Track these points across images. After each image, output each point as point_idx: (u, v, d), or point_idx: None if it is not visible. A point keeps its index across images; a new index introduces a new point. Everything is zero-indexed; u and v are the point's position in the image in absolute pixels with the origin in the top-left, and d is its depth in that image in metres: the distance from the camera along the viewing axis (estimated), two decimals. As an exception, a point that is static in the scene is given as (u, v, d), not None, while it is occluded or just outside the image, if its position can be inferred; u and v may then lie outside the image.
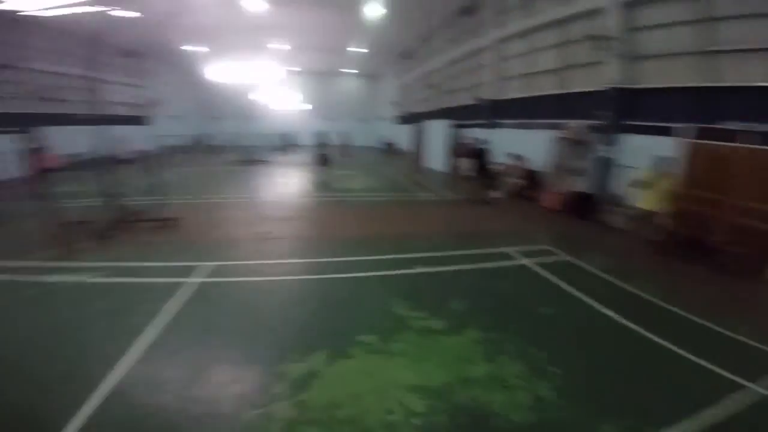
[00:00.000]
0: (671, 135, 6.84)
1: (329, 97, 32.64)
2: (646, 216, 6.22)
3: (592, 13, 8.84)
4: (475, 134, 13.06)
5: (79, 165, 13.11)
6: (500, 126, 12.84)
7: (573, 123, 9.04)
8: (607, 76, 8.37)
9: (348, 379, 3.09)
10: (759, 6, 5.84)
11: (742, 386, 3.02)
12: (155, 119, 25.83)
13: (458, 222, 8.32)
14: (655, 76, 7.70)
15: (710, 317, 4.05)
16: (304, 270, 5.37)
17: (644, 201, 6.18)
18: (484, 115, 13.63)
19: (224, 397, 2.85)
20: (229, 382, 3.03)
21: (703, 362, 3.31)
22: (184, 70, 29.16)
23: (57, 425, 2.51)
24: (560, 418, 2.72)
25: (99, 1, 6.49)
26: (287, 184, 13.06)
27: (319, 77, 31.97)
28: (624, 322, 4.01)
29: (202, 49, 22.89)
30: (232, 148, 22.68)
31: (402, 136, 23.48)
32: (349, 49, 22.32)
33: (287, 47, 22.41)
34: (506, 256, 5.97)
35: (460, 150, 13.67)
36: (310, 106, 30.24)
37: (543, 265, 5.57)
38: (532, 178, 10.38)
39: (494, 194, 10.35)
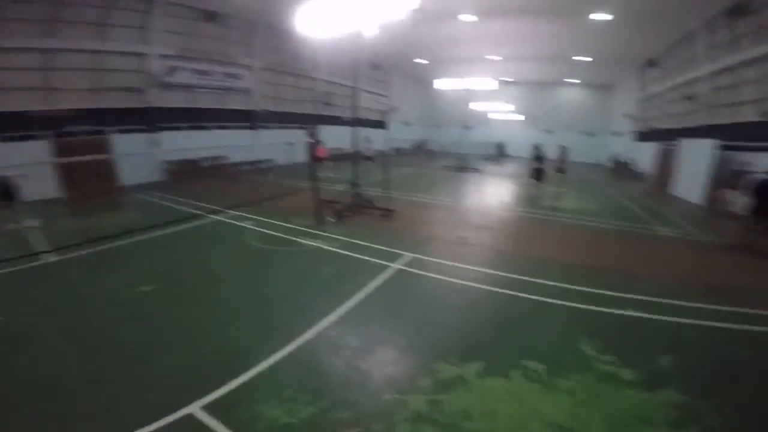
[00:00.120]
0: None
1: (547, 107, 30.86)
2: None
3: None
4: (761, 161, 9.66)
5: (339, 157, 16.80)
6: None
7: None
8: None
9: (492, 397, 2.98)
10: None
11: None
12: (390, 124, 30.55)
13: (708, 270, 6.20)
14: None
15: None
16: (490, 280, 5.32)
17: None
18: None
19: (377, 375, 3.20)
20: (387, 362, 3.37)
21: None
22: (415, 80, 33.36)
23: (255, 360, 3.28)
24: None
25: (352, 20, 8.03)
26: (494, 194, 13.05)
27: (536, 87, 30.64)
28: None
29: (425, 61, 25.65)
30: (449, 154, 24.35)
31: (640, 154, 19.81)
32: (573, 58, 20.68)
33: (498, 58, 22.50)
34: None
35: (730, 179, 10.44)
36: (523, 117, 29.29)
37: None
38: None
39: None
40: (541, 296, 4.83)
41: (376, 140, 19.34)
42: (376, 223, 7.96)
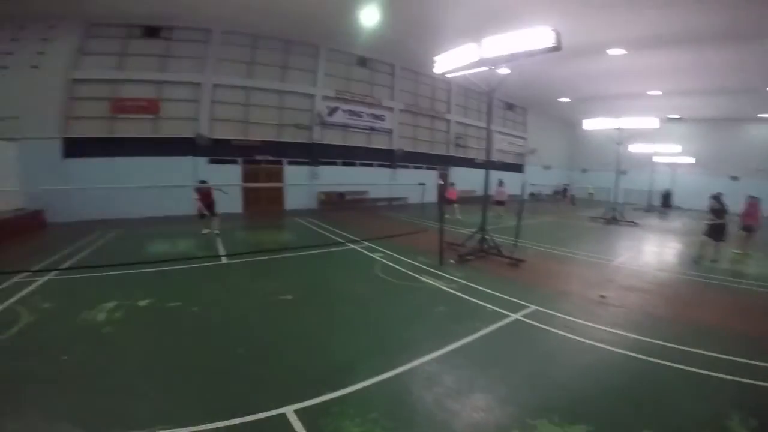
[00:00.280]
0: None
1: (729, 149, 25.13)
2: None
3: None
4: None
5: (470, 200, 16.79)
6: None
7: None
8: None
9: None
10: None
11: None
12: (527, 167, 29.21)
13: None
14: None
15: None
16: (625, 343, 4.49)
17: None
18: None
19: (465, 418, 3.01)
20: (479, 407, 3.14)
21: None
22: (557, 120, 31.36)
23: (355, 379, 3.41)
24: None
25: (487, 61, 8.11)
26: (653, 252, 11.09)
27: (713, 125, 25.42)
28: None
29: (567, 99, 23.90)
30: (598, 203, 21.84)
31: None
32: None
33: (657, 93, 19.57)
34: None
35: None
36: (693, 160, 24.35)
37: None
38: None
39: None
40: (689, 366, 3.93)
41: (510, 184, 18.72)
42: (501, 271, 7.66)
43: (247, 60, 16.66)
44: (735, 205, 10.68)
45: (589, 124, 18.46)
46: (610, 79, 19.07)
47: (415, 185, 17.37)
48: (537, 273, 7.65)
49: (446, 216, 14.62)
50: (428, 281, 6.77)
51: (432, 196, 20.23)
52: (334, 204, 18.43)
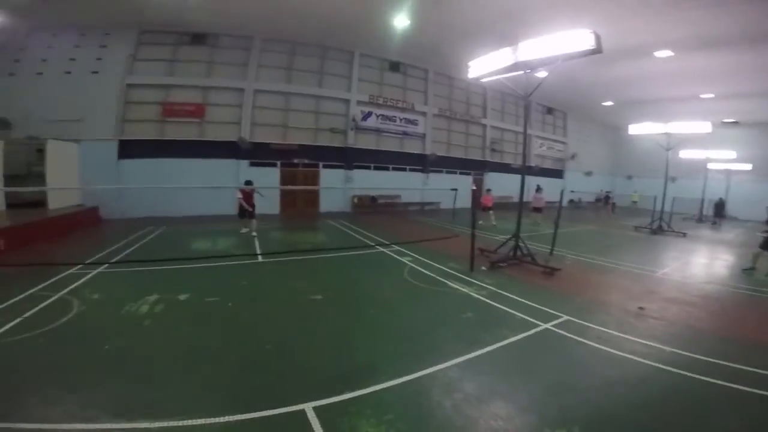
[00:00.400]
0: None
1: None
2: None
3: None
4: None
5: (506, 207, 16.38)
6: None
7: None
8: None
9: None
10: None
11: None
12: (566, 173, 28.14)
13: None
14: None
15: None
16: (662, 357, 4.22)
17: None
18: None
19: (483, 425, 2.95)
20: (498, 416, 3.06)
21: None
22: (600, 125, 29.99)
23: (376, 380, 3.42)
24: None
25: (523, 65, 7.91)
26: (701, 264, 10.37)
27: None
28: None
29: (610, 103, 22.76)
30: (643, 211, 20.67)
31: None
32: None
33: (710, 96, 18.29)
34: None
35: None
36: (749, 167, 22.48)
37: None
38: None
39: None
40: (730, 382, 3.66)
41: (549, 190, 18.10)
42: (534, 279, 7.43)
43: (285, 66, 17.26)
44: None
45: (636, 129, 17.55)
46: (658, 82, 18.10)
47: (447, 190, 17.22)
48: (572, 282, 7.36)
49: (480, 222, 14.45)
50: (457, 287, 6.69)
51: (465, 202, 19.88)
52: (367, 207, 18.63)
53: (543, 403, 3.28)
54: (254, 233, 10.90)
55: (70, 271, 6.72)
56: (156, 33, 15.29)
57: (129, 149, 14.90)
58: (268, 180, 15.93)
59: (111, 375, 3.42)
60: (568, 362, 4.15)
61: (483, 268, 7.92)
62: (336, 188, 18.21)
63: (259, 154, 16.68)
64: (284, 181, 17.12)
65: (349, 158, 18.48)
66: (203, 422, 2.73)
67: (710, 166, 22.52)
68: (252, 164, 16.45)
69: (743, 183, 23.98)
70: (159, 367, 3.65)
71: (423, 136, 20.87)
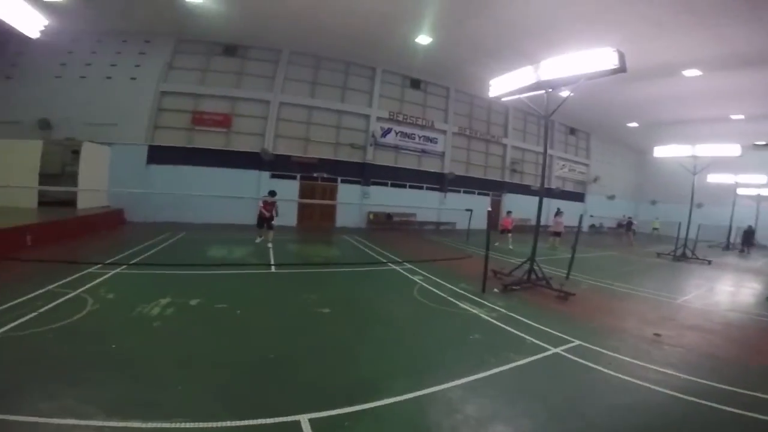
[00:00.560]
0: None
1: None
2: None
3: None
4: None
5: (522, 229, 16.07)
6: None
7: None
8: None
9: None
10: None
11: None
12: (588, 197, 27.50)
13: None
14: None
15: None
16: (676, 385, 4.03)
17: None
18: None
19: None
20: None
21: None
22: (624, 146, 29.31)
23: (375, 397, 3.34)
24: None
25: (544, 84, 7.86)
26: (726, 292, 9.93)
27: None
28: None
29: (635, 124, 22.27)
30: (666, 237, 19.93)
31: None
32: None
33: (739, 117, 17.82)
34: None
35: None
36: None
37: None
38: None
39: None
40: (751, 411, 3.48)
41: (569, 214, 17.72)
42: (547, 303, 7.23)
43: (310, 80, 17.75)
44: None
45: (661, 152, 17.10)
46: (685, 103, 17.72)
47: (464, 210, 17.10)
48: (587, 308, 7.12)
49: (497, 244, 14.24)
50: (467, 308, 6.57)
51: (482, 223, 19.61)
52: (382, 224, 18.67)
53: (545, 429, 3.17)
54: (270, 244, 11.03)
55: (90, 270, 6.93)
56: (191, 42, 16.06)
57: (158, 155, 15.50)
58: (287, 192, 16.22)
59: (113, 374, 3.47)
60: (576, 387, 3.99)
61: (495, 290, 7.76)
62: (352, 204, 18.34)
63: (280, 166, 17.05)
64: (303, 194, 17.40)
65: (366, 174, 18.66)
66: (196, 426, 2.73)
67: (739, 191, 21.59)
68: (273, 176, 16.82)
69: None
70: (161, 368, 3.69)
71: (442, 155, 20.90)
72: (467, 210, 13.39)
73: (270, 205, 11.29)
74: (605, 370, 4.34)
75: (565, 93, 8.42)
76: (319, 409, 3.06)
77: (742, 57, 12.52)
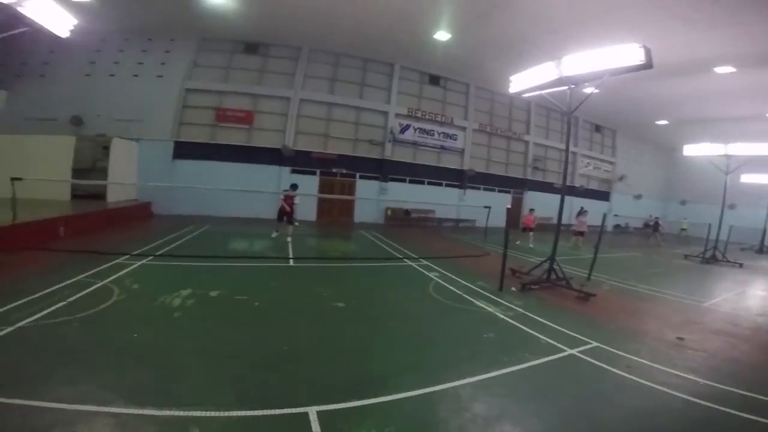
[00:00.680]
0: None
1: None
2: None
3: None
4: None
5: (544, 228, 15.73)
6: None
7: None
8: None
9: None
10: None
11: None
12: (613, 195, 26.67)
13: None
14: None
15: None
16: (696, 390, 3.91)
17: None
18: None
19: None
20: None
21: None
22: (652, 145, 28.25)
23: (384, 392, 3.36)
24: None
25: (567, 81, 7.65)
26: (754, 294, 9.51)
27: None
28: None
29: (664, 122, 21.38)
30: (695, 239, 19.16)
31: None
32: None
33: None
34: None
35: None
36: None
37: None
38: None
39: None
40: None
41: (593, 213, 17.27)
42: (566, 304, 7.08)
43: (329, 77, 17.87)
44: None
45: (692, 150, 16.42)
46: (718, 100, 16.95)
47: (484, 207, 16.90)
48: (608, 309, 6.95)
49: (518, 243, 14.02)
50: (483, 306, 6.51)
51: (501, 220, 19.35)
52: (400, 220, 18.67)
53: (553, 430, 3.13)
54: (289, 238, 11.18)
55: (117, 260, 7.24)
56: (214, 41, 16.44)
57: (183, 150, 15.98)
58: (307, 187, 16.43)
59: (133, 362, 3.62)
60: (589, 390, 3.92)
61: (513, 289, 7.66)
62: (370, 199, 18.42)
63: (300, 161, 17.28)
64: (322, 189, 17.58)
65: (385, 170, 18.67)
66: (206, 414, 2.82)
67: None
68: (293, 171, 17.05)
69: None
70: (179, 357, 3.82)
71: (461, 151, 20.68)
72: (485, 207, 13.19)
73: (290, 200, 11.42)
74: (622, 373, 4.23)
75: (588, 89, 8.18)
76: (328, 402, 3.11)
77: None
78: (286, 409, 2.97)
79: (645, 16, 10.74)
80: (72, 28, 6.93)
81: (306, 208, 15.21)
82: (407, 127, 19.02)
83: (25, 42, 12.81)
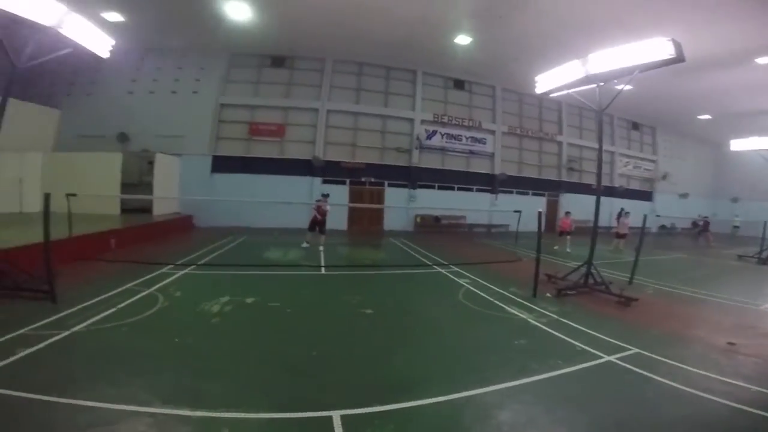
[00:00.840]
0: None
1: None
2: None
3: None
4: None
5: (582, 231, 15.09)
6: None
7: None
8: None
9: None
10: None
11: None
12: (656, 195, 25.29)
13: None
14: None
15: None
16: (743, 398, 3.66)
17: None
18: None
19: None
20: None
21: None
22: (696, 141, 26.57)
23: (408, 398, 3.37)
24: None
25: (594, 78, 7.40)
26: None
27: None
28: None
29: (707, 116, 20.06)
30: (750, 239, 17.77)
31: None
32: None
33: None
34: None
35: None
36: None
37: None
38: None
39: None
40: None
41: (635, 213, 16.42)
42: (605, 309, 6.80)
43: (354, 87, 18.21)
44: None
45: (739, 145, 15.39)
46: (762, 92, 15.83)
47: (514, 212, 16.45)
48: (651, 314, 6.60)
49: (556, 248, 13.57)
50: (515, 312, 6.37)
51: (535, 224, 18.71)
52: (430, 227, 18.57)
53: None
54: (321, 247, 11.37)
55: (162, 270, 7.70)
56: (243, 56, 17.21)
57: (220, 164, 16.77)
58: (338, 197, 16.73)
59: (173, 365, 3.87)
60: (627, 397, 3.74)
61: (548, 294, 7.43)
62: (400, 207, 18.48)
63: (330, 171, 17.65)
64: (352, 198, 17.85)
65: (413, 177, 18.70)
66: (236, 416, 2.96)
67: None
68: (324, 181, 17.45)
69: None
70: (215, 361, 4.03)
71: (491, 155, 20.36)
72: (516, 211, 12.85)
73: (321, 209, 11.62)
74: (664, 380, 4.02)
75: (619, 86, 7.90)
76: (352, 406, 3.18)
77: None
78: (311, 413, 3.07)
79: (673, 9, 10.30)
80: (110, 48, 7.41)
81: (337, 218, 15.47)
82: (434, 133, 19.00)
83: (71, 63, 13.74)
